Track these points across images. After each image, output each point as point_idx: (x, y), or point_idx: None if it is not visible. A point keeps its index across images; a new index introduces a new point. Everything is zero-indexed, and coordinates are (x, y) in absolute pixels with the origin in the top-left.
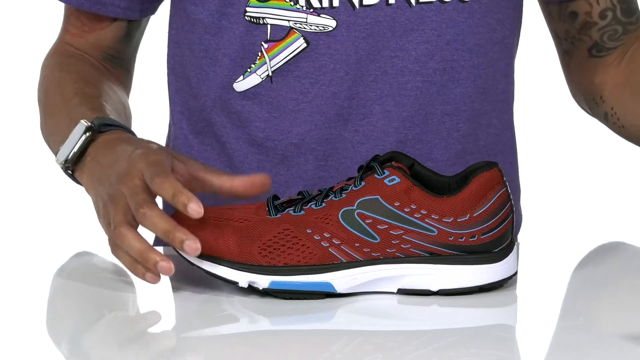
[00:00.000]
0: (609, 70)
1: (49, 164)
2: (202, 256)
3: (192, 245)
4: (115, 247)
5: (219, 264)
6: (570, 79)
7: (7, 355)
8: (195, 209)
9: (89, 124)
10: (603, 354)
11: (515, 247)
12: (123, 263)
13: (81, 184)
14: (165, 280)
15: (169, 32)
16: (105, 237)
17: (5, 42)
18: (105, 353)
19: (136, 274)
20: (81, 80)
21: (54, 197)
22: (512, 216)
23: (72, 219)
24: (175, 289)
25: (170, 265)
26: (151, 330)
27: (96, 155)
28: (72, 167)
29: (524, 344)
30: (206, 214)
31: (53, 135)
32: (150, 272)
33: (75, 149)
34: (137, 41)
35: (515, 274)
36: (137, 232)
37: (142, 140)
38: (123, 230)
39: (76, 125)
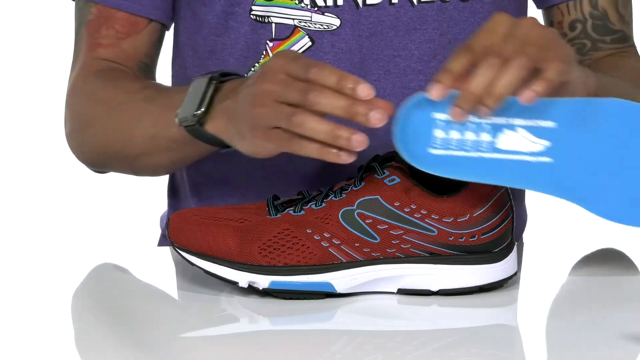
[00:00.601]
0: None
1: (68, 165)
2: (202, 256)
3: (377, 117)
4: (293, 142)
5: (219, 264)
6: None
7: (7, 353)
8: (365, 90)
9: (210, 75)
10: (603, 354)
11: (515, 247)
12: (307, 152)
13: (212, 137)
14: (165, 280)
15: (173, 36)
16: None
17: (7, 44)
18: (104, 353)
19: (328, 158)
20: (141, 78)
21: (60, 195)
22: (512, 216)
23: (77, 217)
24: (175, 289)
25: (364, 138)
26: (151, 330)
27: (225, 98)
28: (203, 119)
29: (524, 344)
30: (206, 214)
31: (134, 122)
32: (344, 151)
33: (206, 99)
34: (160, 53)
35: (515, 274)
36: (330, 89)
37: None
38: (300, 116)
39: (190, 86)
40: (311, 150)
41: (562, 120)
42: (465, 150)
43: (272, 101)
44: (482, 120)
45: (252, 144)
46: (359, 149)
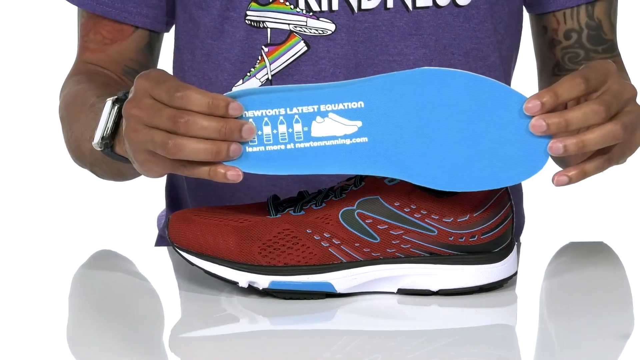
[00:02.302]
0: None
1: (67, 165)
2: (202, 256)
3: (249, 129)
4: (177, 166)
5: (219, 264)
6: None
7: (7, 353)
8: (235, 107)
9: (115, 97)
10: (603, 354)
11: (515, 247)
12: (198, 174)
13: (125, 157)
14: (165, 280)
15: (174, 40)
16: (103, 238)
17: (8, 47)
18: (104, 353)
19: (217, 178)
20: (102, 86)
21: (61, 195)
22: (512, 216)
23: (78, 217)
24: (175, 288)
25: (239, 147)
26: (151, 330)
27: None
28: (111, 142)
29: (524, 344)
30: (206, 214)
31: (83, 135)
32: (231, 171)
33: (109, 123)
34: (157, 57)
35: (515, 274)
36: (199, 113)
37: None
38: (176, 141)
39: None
40: (201, 173)
41: (369, 98)
42: (282, 144)
43: (142, 126)
44: (293, 112)
45: (140, 167)
46: (247, 139)
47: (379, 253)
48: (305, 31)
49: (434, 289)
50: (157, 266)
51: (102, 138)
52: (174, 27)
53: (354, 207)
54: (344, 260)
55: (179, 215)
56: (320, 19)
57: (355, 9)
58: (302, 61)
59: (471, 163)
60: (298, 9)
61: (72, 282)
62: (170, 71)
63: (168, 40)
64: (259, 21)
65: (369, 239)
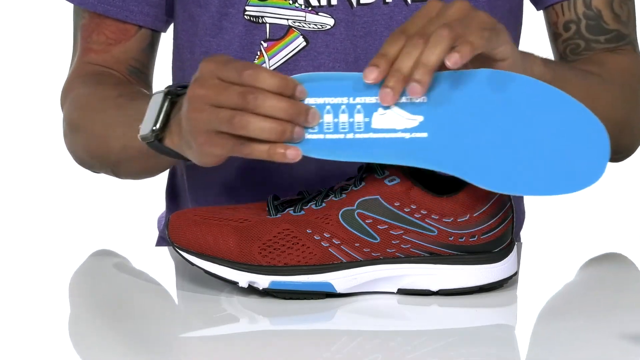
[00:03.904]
0: None
1: (67, 166)
2: (202, 256)
3: (316, 114)
4: (238, 146)
5: (219, 264)
6: None
7: (7, 353)
8: (303, 90)
9: (166, 90)
10: (603, 354)
11: (515, 247)
12: (257, 154)
13: (173, 151)
14: (165, 280)
15: (173, 39)
16: (103, 236)
17: (7, 47)
18: (104, 353)
19: (276, 158)
20: (120, 85)
21: (61, 195)
22: (512, 216)
23: (78, 217)
24: (175, 289)
25: (302, 130)
26: (151, 330)
27: (179, 111)
28: (161, 134)
29: (524, 344)
30: (206, 214)
31: (111, 132)
32: (289, 150)
33: (161, 115)
34: (155, 57)
35: (516, 274)
36: (268, 91)
37: None
38: (241, 117)
39: (150, 99)
40: (260, 152)
41: (433, 93)
42: (342, 133)
43: (208, 106)
44: (356, 101)
45: (198, 152)
46: (313, 124)
47: (379, 253)
48: (304, 26)
49: (434, 289)
50: (157, 266)
51: (153, 130)
52: (172, 26)
53: (354, 207)
54: (344, 260)
55: (179, 215)
56: (319, 13)
57: (354, 3)
58: (301, 56)
59: (528, 168)
60: (297, 4)
61: (72, 282)
62: (169, 71)
63: (167, 40)
64: (258, 17)
65: (369, 239)
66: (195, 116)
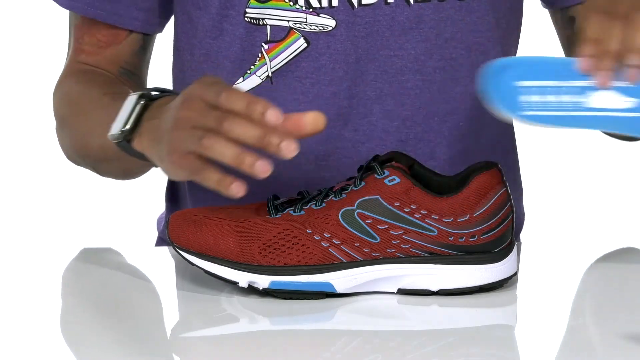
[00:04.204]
0: None
1: (56, 163)
2: (202, 256)
3: (290, 148)
4: (199, 170)
5: (219, 264)
6: None
7: (8, 353)
8: (274, 114)
9: (140, 92)
10: (603, 354)
11: (515, 247)
12: (210, 183)
13: (140, 153)
14: (165, 280)
15: (173, 41)
16: (108, 231)
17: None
18: (104, 353)
19: (222, 189)
20: (106, 84)
21: (61, 195)
22: (512, 216)
23: (78, 217)
24: (175, 289)
25: (268, 167)
26: (151, 330)
27: (153, 117)
28: (129, 136)
29: (524, 344)
30: (206, 214)
31: (92, 130)
32: (236, 182)
33: (132, 117)
34: (149, 56)
35: (516, 274)
36: (243, 118)
37: None
38: (209, 140)
39: (125, 100)
40: (210, 181)
41: None
42: (560, 110)
43: (189, 127)
44: (572, 84)
45: (168, 168)
46: (261, 176)
47: (379, 253)
48: (305, 28)
49: (434, 289)
50: (157, 266)
51: (122, 131)
52: (173, 28)
53: (354, 207)
54: (344, 260)
55: (179, 215)
56: (321, 15)
57: (355, 4)
58: (302, 57)
59: None
60: (297, 6)
61: (71, 282)
62: (169, 73)
63: (167, 41)
64: (259, 18)
65: (369, 239)
66: (176, 135)
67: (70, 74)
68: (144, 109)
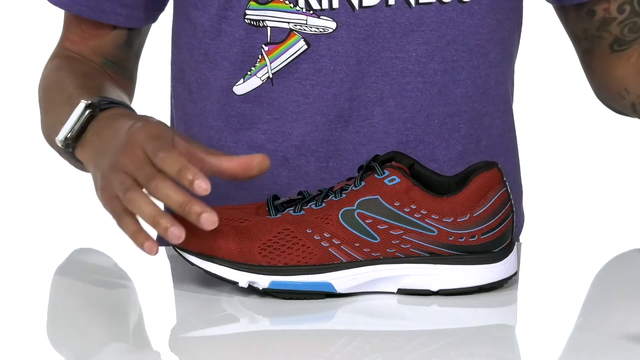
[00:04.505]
0: (631, 62)
1: (49, 162)
2: (202, 256)
3: (209, 219)
4: (121, 215)
5: (219, 264)
6: (592, 78)
7: (5, 355)
8: (202, 185)
9: (90, 101)
10: (603, 354)
11: (515, 247)
12: (126, 231)
13: (82, 163)
14: (165, 280)
15: (172, 38)
16: (105, 232)
17: (6, 44)
18: (104, 353)
19: (136, 242)
20: (81, 76)
21: (54, 194)
22: (512, 216)
23: (72, 216)
24: (175, 289)
25: (180, 233)
26: (151, 330)
27: (97, 130)
28: (73, 144)
29: (524, 344)
30: None
31: (54, 126)
32: (149, 242)
33: (76, 126)
34: (138, 49)
35: (516, 274)
36: (148, 197)
37: (142, 115)
38: (134, 194)
39: (76, 107)
40: (128, 230)
41: None
42: None
43: (123, 172)
44: None
45: (99, 197)
46: (174, 242)
47: (379, 253)
48: (305, 30)
49: (434, 289)
50: (157, 266)
51: (66, 138)
52: (171, 27)
53: (354, 207)
54: (344, 260)
55: (179, 215)
56: (321, 17)
57: (356, 6)
58: (302, 59)
59: None
60: (298, 8)
61: (70, 282)
62: (168, 71)
63: (166, 39)
64: (259, 20)
65: (369, 239)
66: (110, 175)
67: (56, 57)
68: (90, 119)
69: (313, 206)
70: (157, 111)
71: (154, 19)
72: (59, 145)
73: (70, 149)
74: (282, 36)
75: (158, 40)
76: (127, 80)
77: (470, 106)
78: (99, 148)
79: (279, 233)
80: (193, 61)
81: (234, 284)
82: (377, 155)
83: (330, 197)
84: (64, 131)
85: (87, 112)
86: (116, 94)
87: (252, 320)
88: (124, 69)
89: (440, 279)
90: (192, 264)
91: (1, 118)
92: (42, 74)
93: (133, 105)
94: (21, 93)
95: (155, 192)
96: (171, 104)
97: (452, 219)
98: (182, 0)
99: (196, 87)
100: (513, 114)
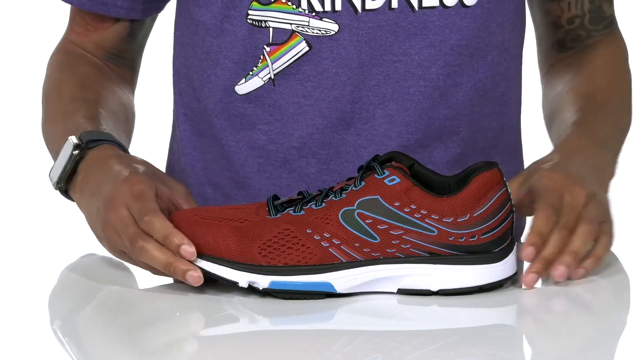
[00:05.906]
0: (556, 91)
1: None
2: (202, 256)
3: (194, 276)
4: (138, 261)
5: (219, 264)
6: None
7: (9, 354)
8: (188, 250)
9: (77, 141)
10: (603, 355)
11: (515, 247)
12: (155, 264)
13: (74, 200)
14: (165, 280)
15: (175, 33)
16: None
17: (9, 41)
18: (105, 353)
19: (174, 274)
20: (79, 84)
21: (60, 199)
22: (512, 216)
23: (78, 221)
24: (175, 289)
25: (199, 275)
26: (151, 330)
27: (85, 175)
28: (65, 186)
29: (524, 344)
30: (206, 214)
31: (51, 143)
32: (192, 271)
33: (67, 167)
34: (143, 40)
35: (516, 274)
36: (155, 243)
37: (128, 158)
38: (141, 244)
39: (66, 141)
40: (156, 265)
41: None
42: None
43: (114, 232)
44: None
45: (93, 230)
46: (195, 285)
47: (379, 253)
48: (307, 31)
49: (434, 289)
50: None
51: (57, 183)
52: (174, 22)
53: (354, 207)
54: (344, 260)
55: (179, 215)
56: (324, 19)
57: (359, 9)
58: (304, 61)
59: None
60: (300, 9)
61: (70, 281)
62: (170, 67)
63: (168, 37)
64: (261, 20)
65: (369, 239)
66: (109, 236)
67: (60, 51)
68: (79, 160)
69: (313, 206)
70: (159, 107)
71: (158, 9)
72: (53, 185)
73: (64, 190)
74: (284, 37)
75: (159, 37)
76: (129, 70)
77: (470, 109)
78: (89, 192)
79: (279, 233)
80: (196, 58)
81: (234, 284)
82: (377, 155)
83: (330, 197)
84: (56, 174)
85: (76, 152)
86: (112, 107)
87: (252, 320)
88: (126, 60)
89: (440, 279)
90: (192, 264)
91: (7, 121)
92: (47, 69)
93: (135, 101)
94: (32, 96)
95: (140, 254)
96: (174, 99)
97: (452, 219)
98: None
99: (199, 84)
100: (515, 114)
